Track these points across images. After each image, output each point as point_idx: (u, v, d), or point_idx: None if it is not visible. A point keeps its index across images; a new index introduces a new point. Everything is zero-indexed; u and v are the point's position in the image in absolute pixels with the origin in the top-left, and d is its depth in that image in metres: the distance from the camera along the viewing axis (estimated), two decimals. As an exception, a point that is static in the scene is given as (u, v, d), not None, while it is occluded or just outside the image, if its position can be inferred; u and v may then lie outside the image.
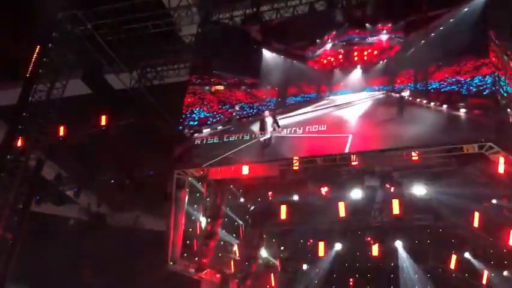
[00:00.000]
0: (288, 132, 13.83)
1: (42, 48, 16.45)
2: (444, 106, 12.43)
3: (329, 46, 14.89)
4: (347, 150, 13.00)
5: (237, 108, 15.00)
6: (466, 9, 13.24)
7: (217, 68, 15.76)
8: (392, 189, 14.53)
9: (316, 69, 14.92)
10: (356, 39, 14.65)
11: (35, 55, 16.35)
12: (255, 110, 14.82)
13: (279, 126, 14.01)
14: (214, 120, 14.89)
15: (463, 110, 12.09)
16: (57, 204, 18.94)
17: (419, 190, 14.80)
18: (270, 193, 16.12)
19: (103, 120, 17.09)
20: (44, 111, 16.46)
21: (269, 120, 14.29)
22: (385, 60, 14.10)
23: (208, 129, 14.74)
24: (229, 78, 15.59)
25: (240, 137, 14.19)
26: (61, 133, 16.88)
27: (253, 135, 14.12)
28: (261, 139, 13.99)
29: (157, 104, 17.80)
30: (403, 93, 13.25)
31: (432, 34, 13.56)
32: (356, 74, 14.34)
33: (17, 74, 16.88)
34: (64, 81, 16.81)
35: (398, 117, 13.00)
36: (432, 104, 12.70)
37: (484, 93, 12.03)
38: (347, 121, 13.56)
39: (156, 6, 16.40)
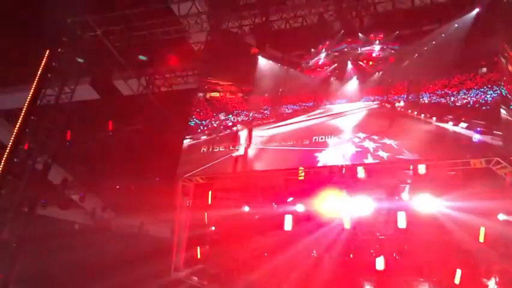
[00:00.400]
0: (277, 142, 14.08)
1: (52, 53, 16.59)
2: (434, 119, 12.76)
3: (323, 56, 15.13)
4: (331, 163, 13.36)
5: (221, 117, 15.08)
6: (455, 25, 13.59)
7: (213, 74, 15.90)
8: (398, 201, 14.41)
9: (313, 78, 15.08)
10: (348, 49, 14.89)
11: (44, 59, 16.50)
12: (250, 118, 14.94)
13: (250, 142, 14.18)
14: (205, 128, 15.01)
15: (463, 125, 12.28)
16: (63, 208, 19.02)
17: (425, 203, 14.65)
18: (274, 203, 15.98)
19: (111, 125, 17.18)
20: (52, 116, 16.58)
21: (243, 134, 14.40)
22: (381, 72, 14.29)
23: (189, 140, 14.87)
24: (226, 84, 15.70)
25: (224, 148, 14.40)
26: (68, 137, 16.99)
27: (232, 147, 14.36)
28: (233, 154, 14.15)
29: (165, 110, 17.86)
30: (396, 105, 13.47)
31: (425, 48, 13.89)
32: (353, 84, 14.46)
33: (25, 78, 17.00)
34: (72, 86, 16.93)
35: (390, 128, 13.20)
36: (423, 116, 13.02)
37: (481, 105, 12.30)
38: (339, 132, 13.72)
39: (166, 13, 16.50)
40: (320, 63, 15.16)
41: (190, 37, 17.52)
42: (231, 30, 16.60)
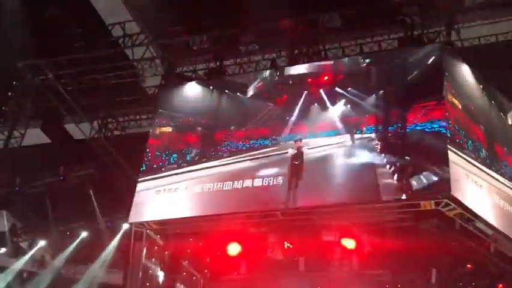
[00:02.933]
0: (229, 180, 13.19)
1: (1, 97, 16.33)
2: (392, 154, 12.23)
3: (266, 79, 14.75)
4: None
5: (174, 156, 14.15)
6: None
7: (165, 106, 15.29)
8: (351, 243, 14.42)
9: (259, 104, 14.48)
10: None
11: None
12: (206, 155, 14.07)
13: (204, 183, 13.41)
14: (158, 170, 14.10)
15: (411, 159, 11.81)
16: (12, 256, 18.44)
17: (378, 245, 14.76)
18: (230, 246, 15.75)
19: (61, 170, 16.90)
20: (0, 161, 16.20)
21: (197, 174, 13.74)
22: (348, 105, 13.45)
23: (141, 184, 13.96)
24: (181, 117, 14.96)
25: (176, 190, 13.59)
26: (17, 183, 16.63)
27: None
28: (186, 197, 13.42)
29: (117, 154, 17.65)
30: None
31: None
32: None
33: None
34: (22, 131, 16.62)
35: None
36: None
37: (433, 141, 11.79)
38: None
39: (120, 57, 16.46)
40: (263, 87, 14.72)
41: (144, 81, 17.53)
42: (185, 74, 16.62)
